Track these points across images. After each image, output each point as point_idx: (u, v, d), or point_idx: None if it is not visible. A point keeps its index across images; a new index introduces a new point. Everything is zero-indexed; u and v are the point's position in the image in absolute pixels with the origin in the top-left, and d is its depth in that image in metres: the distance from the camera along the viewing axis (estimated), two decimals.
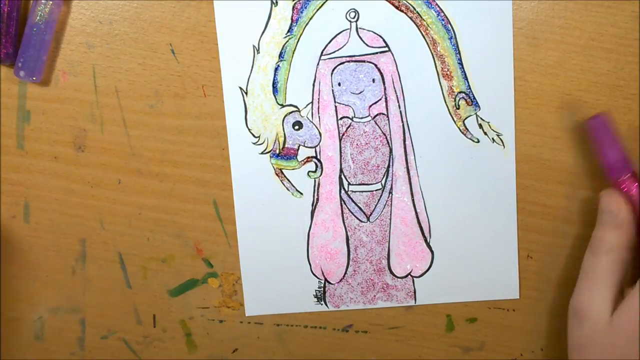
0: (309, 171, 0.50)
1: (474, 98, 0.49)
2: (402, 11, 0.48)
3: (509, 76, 0.49)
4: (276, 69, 0.49)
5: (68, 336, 0.54)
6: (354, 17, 0.48)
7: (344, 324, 0.53)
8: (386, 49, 0.49)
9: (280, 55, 0.49)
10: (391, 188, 0.51)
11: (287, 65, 0.49)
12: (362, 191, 0.51)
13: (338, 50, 0.49)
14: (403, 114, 0.50)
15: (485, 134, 0.49)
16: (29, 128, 0.51)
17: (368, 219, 0.51)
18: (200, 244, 0.52)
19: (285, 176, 0.50)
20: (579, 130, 0.49)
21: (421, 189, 0.50)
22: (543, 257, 0.51)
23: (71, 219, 0.52)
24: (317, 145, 0.50)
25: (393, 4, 0.48)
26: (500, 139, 0.49)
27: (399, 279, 0.52)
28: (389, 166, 0.50)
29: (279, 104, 0.49)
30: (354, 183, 0.51)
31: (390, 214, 0.51)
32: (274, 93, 0.49)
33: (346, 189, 0.51)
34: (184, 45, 0.49)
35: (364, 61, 0.49)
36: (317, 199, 0.51)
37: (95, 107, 0.50)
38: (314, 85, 0.49)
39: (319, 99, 0.49)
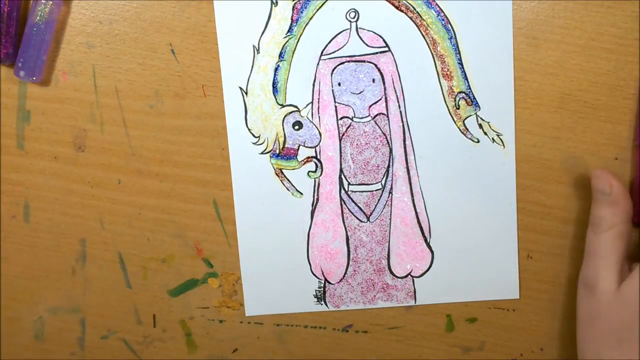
0: (309, 171, 0.50)
1: (474, 98, 0.49)
2: (402, 11, 0.48)
3: (509, 76, 0.49)
4: (276, 69, 0.49)
5: (68, 336, 0.54)
6: (354, 17, 0.48)
7: (344, 324, 0.53)
8: (386, 49, 0.49)
9: (280, 55, 0.49)
10: (391, 188, 0.51)
11: (287, 65, 0.49)
12: (362, 191, 0.51)
13: (338, 50, 0.49)
14: (403, 114, 0.50)
15: (485, 134, 0.49)
16: (29, 128, 0.51)
17: (368, 219, 0.51)
18: (200, 244, 0.52)
19: (285, 176, 0.50)
20: (579, 130, 0.49)
21: (421, 189, 0.50)
22: (543, 257, 0.51)
23: (71, 219, 0.52)
24: (317, 145, 0.50)
25: (393, 4, 0.48)
26: (500, 139, 0.49)
27: (398, 279, 0.52)
28: (389, 166, 0.50)
29: (279, 104, 0.49)
30: (354, 183, 0.51)
31: (390, 214, 0.51)
32: (274, 93, 0.49)
33: (346, 189, 0.51)
34: (184, 45, 0.49)
35: (364, 61, 0.49)
36: (317, 199, 0.51)
37: (95, 107, 0.50)
38: (314, 85, 0.49)
39: (319, 99, 0.49)
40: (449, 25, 0.48)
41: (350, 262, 0.52)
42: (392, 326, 0.53)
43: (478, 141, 0.50)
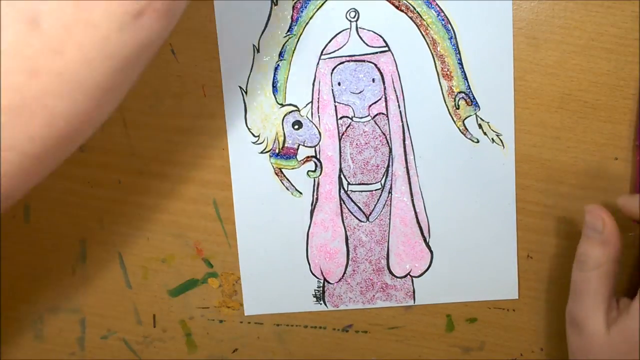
0: (308, 171, 0.50)
1: (474, 98, 0.49)
2: (402, 11, 0.48)
3: (509, 76, 0.49)
4: (276, 69, 0.49)
5: (68, 336, 0.54)
6: (354, 17, 0.48)
7: (344, 324, 0.53)
8: (386, 48, 0.49)
9: (280, 54, 0.49)
10: (390, 188, 0.51)
11: (287, 65, 0.49)
12: (362, 191, 0.51)
13: (338, 49, 0.49)
14: (403, 113, 0.50)
15: (485, 134, 0.49)
16: None
17: (367, 218, 0.51)
18: (200, 244, 0.52)
19: (284, 175, 0.50)
20: (579, 130, 0.49)
21: (421, 189, 0.50)
22: (543, 257, 0.51)
23: (71, 219, 0.52)
24: (316, 145, 0.50)
25: (393, 4, 0.48)
26: (500, 139, 0.49)
27: (398, 279, 0.52)
28: (388, 166, 0.50)
29: (278, 103, 0.49)
30: (354, 183, 0.51)
31: (390, 214, 0.51)
32: (273, 92, 0.49)
33: (345, 189, 0.51)
34: (184, 45, 0.49)
35: (363, 61, 0.49)
36: (317, 199, 0.51)
37: None
38: (313, 84, 0.49)
39: (318, 98, 0.49)
40: (449, 25, 0.48)
41: (350, 262, 0.52)
42: (392, 326, 0.53)
43: (478, 141, 0.50)
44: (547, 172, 0.50)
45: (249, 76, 0.49)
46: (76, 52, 0.27)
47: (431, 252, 0.51)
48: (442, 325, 0.53)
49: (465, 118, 0.49)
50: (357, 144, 0.50)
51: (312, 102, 0.50)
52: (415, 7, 0.48)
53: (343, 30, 0.49)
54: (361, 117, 0.50)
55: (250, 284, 0.52)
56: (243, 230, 0.51)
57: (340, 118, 0.50)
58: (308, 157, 0.50)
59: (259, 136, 0.50)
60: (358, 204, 0.51)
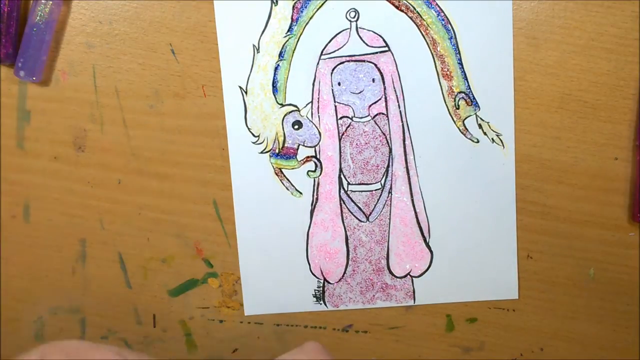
0: (308, 171, 0.50)
1: (474, 98, 0.49)
2: (402, 11, 0.48)
3: (508, 76, 0.49)
4: (276, 69, 0.49)
5: (68, 336, 0.54)
6: (354, 17, 0.48)
7: (344, 324, 0.53)
8: (386, 48, 0.49)
9: (280, 54, 0.49)
10: (390, 188, 0.51)
11: (287, 65, 0.49)
12: (362, 191, 0.51)
13: (338, 49, 0.49)
14: (403, 113, 0.50)
15: (485, 134, 0.49)
16: (29, 128, 0.51)
17: (367, 218, 0.51)
18: (200, 244, 0.52)
19: (284, 175, 0.50)
20: (579, 130, 0.49)
21: (420, 189, 0.50)
22: (543, 257, 0.51)
23: (71, 219, 0.52)
24: (316, 145, 0.50)
25: (393, 4, 0.48)
26: (500, 139, 0.49)
27: (398, 279, 0.52)
28: (388, 166, 0.50)
29: (278, 103, 0.49)
30: (354, 183, 0.51)
31: (390, 214, 0.51)
32: (273, 92, 0.49)
33: (345, 189, 0.51)
34: (184, 45, 0.49)
35: (363, 61, 0.49)
36: (317, 199, 0.51)
37: (95, 107, 0.50)
38: (313, 84, 0.49)
39: (318, 98, 0.49)
40: (449, 25, 0.48)
41: (350, 262, 0.52)
42: (392, 326, 0.53)
43: (478, 141, 0.50)
44: (547, 172, 0.50)
45: (249, 76, 0.49)
46: None
47: (431, 252, 0.51)
48: (442, 325, 0.53)
49: (465, 118, 0.49)
50: (357, 144, 0.50)
51: (312, 102, 0.50)
52: (415, 7, 0.48)
53: (343, 30, 0.49)
54: (361, 117, 0.50)
55: (250, 284, 0.52)
56: (243, 230, 0.51)
57: (340, 118, 0.50)
58: (308, 157, 0.50)
59: (259, 136, 0.50)
60: (358, 204, 0.51)
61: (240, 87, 0.49)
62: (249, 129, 0.50)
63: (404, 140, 0.50)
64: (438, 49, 0.49)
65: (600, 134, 0.49)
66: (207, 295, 0.53)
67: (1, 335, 0.54)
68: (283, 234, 0.51)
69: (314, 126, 0.50)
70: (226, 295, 0.53)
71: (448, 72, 0.49)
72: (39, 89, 0.50)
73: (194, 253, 0.52)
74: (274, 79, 0.49)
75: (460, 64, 0.49)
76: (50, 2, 0.48)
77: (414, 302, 0.52)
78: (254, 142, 0.50)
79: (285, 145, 0.50)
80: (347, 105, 0.50)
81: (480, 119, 0.49)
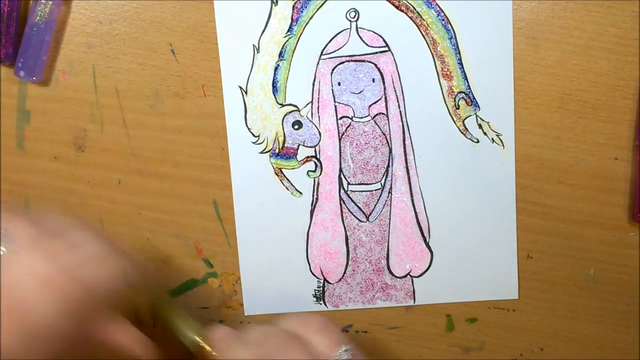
0: (308, 171, 0.50)
1: (474, 98, 0.49)
2: (402, 11, 0.48)
3: (509, 76, 0.49)
4: (276, 69, 0.49)
5: None
6: (354, 17, 0.48)
7: (344, 324, 0.53)
8: (386, 48, 0.49)
9: (280, 54, 0.49)
10: (390, 188, 0.51)
11: (287, 65, 0.49)
12: (362, 191, 0.51)
13: (338, 49, 0.49)
14: (403, 113, 0.50)
15: (485, 134, 0.49)
16: (29, 128, 0.51)
17: (367, 218, 0.51)
18: (200, 244, 0.52)
19: (284, 175, 0.50)
20: (579, 130, 0.49)
21: (420, 189, 0.50)
22: (543, 257, 0.51)
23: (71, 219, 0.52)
24: (316, 145, 0.50)
25: (393, 4, 0.48)
26: (500, 139, 0.49)
27: (398, 279, 0.52)
28: (388, 166, 0.50)
29: (278, 103, 0.49)
30: (354, 183, 0.51)
31: (390, 214, 0.51)
32: (273, 92, 0.49)
33: (345, 189, 0.51)
34: (184, 45, 0.49)
35: (363, 61, 0.49)
36: (317, 199, 0.51)
37: (95, 107, 0.50)
38: (313, 84, 0.49)
39: (318, 98, 0.49)
40: (449, 25, 0.48)
41: (350, 262, 0.52)
42: (392, 326, 0.53)
43: (478, 141, 0.50)
44: (547, 172, 0.50)
45: (249, 76, 0.49)
46: None
47: (431, 252, 0.51)
48: (442, 325, 0.53)
49: (465, 118, 0.49)
50: (357, 144, 0.50)
51: (312, 102, 0.50)
52: (415, 7, 0.48)
53: (343, 30, 0.49)
54: (361, 117, 0.50)
55: (250, 284, 0.52)
56: (243, 230, 0.51)
57: (340, 118, 0.50)
58: (308, 157, 0.50)
59: (259, 136, 0.50)
60: (358, 204, 0.51)
61: (240, 87, 0.49)
62: (249, 129, 0.50)
63: (404, 140, 0.50)
64: (438, 49, 0.49)
65: (600, 134, 0.49)
66: (207, 295, 0.53)
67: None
68: (283, 234, 0.51)
69: (314, 126, 0.50)
70: (226, 296, 0.53)
71: (448, 72, 0.49)
72: (39, 89, 0.50)
73: (194, 253, 0.52)
74: (274, 79, 0.49)
75: (460, 64, 0.49)
76: (50, 2, 0.48)
77: (414, 302, 0.52)
78: (254, 142, 0.50)
79: (285, 145, 0.50)
80: (347, 105, 0.50)
81: (480, 119, 0.49)
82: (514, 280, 0.51)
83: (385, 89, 0.49)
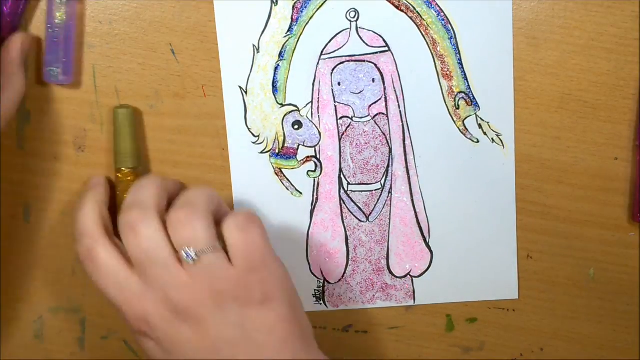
0: (308, 171, 0.50)
1: (474, 98, 0.49)
2: (402, 11, 0.48)
3: (508, 76, 0.49)
4: (276, 69, 0.49)
5: (68, 336, 0.54)
6: (354, 17, 0.48)
7: (344, 324, 0.53)
8: (386, 48, 0.49)
9: (280, 54, 0.49)
10: (390, 188, 0.51)
11: (287, 65, 0.49)
12: (362, 191, 0.51)
13: (338, 49, 0.49)
14: (403, 113, 0.50)
15: (485, 134, 0.49)
16: (29, 128, 0.51)
17: (367, 218, 0.51)
18: None
19: (284, 175, 0.50)
20: (579, 130, 0.49)
21: (420, 189, 0.50)
22: (543, 257, 0.51)
23: (71, 219, 0.52)
24: (316, 145, 0.50)
25: (393, 4, 0.48)
26: (500, 139, 0.49)
27: (398, 279, 0.52)
28: (388, 166, 0.50)
29: (278, 103, 0.49)
30: (354, 183, 0.51)
31: (390, 214, 0.51)
32: (273, 92, 0.49)
33: (345, 189, 0.51)
34: (184, 45, 0.49)
35: (363, 61, 0.49)
36: (317, 199, 0.51)
37: (95, 107, 0.50)
38: (313, 84, 0.49)
39: (318, 98, 0.49)
40: (449, 25, 0.48)
41: (350, 262, 0.52)
42: (392, 326, 0.53)
43: (478, 141, 0.50)
44: (547, 172, 0.50)
45: (249, 76, 0.49)
46: None
47: (431, 252, 0.51)
48: (442, 325, 0.53)
49: (465, 118, 0.49)
50: (357, 144, 0.50)
51: (312, 102, 0.50)
52: (415, 7, 0.48)
53: (343, 30, 0.49)
54: (361, 117, 0.50)
55: None
56: None
57: (340, 118, 0.50)
58: (308, 157, 0.50)
59: (259, 136, 0.50)
60: (358, 204, 0.51)
61: (240, 87, 0.49)
62: (249, 129, 0.50)
63: (404, 140, 0.50)
64: (438, 49, 0.49)
65: (600, 134, 0.49)
66: None
67: (1, 335, 0.54)
68: (283, 234, 0.51)
69: (314, 126, 0.50)
70: None
71: (448, 72, 0.49)
72: (39, 89, 0.50)
73: None
74: (274, 79, 0.49)
75: (460, 64, 0.49)
76: (65, 2, 0.47)
77: (414, 302, 0.52)
78: (254, 142, 0.50)
79: (285, 145, 0.50)
80: (347, 105, 0.50)
81: (480, 119, 0.49)
82: (514, 280, 0.52)
83: (385, 89, 0.49)
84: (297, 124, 0.50)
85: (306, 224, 0.51)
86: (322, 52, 0.49)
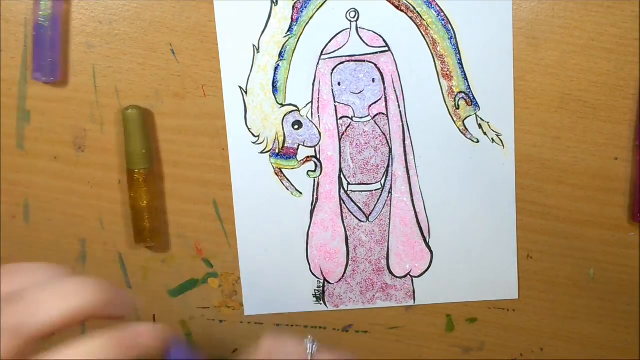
0: (308, 171, 0.50)
1: (474, 98, 0.49)
2: (402, 11, 0.48)
3: (509, 76, 0.49)
4: (276, 69, 0.49)
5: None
6: (354, 17, 0.48)
7: (344, 324, 0.53)
8: (386, 48, 0.49)
9: (280, 54, 0.49)
10: (390, 188, 0.51)
11: (287, 65, 0.49)
12: (362, 191, 0.51)
13: (338, 49, 0.49)
14: (403, 113, 0.50)
15: (485, 134, 0.49)
16: (29, 128, 0.51)
17: (367, 218, 0.51)
18: (200, 244, 0.52)
19: (284, 175, 0.50)
20: (579, 130, 0.49)
21: (420, 189, 0.50)
22: (543, 257, 0.51)
23: (71, 219, 0.52)
24: (316, 145, 0.50)
25: (393, 4, 0.48)
26: (500, 139, 0.49)
27: (398, 279, 0.52)
28: (388, 166, 0.50)
29: (278, 103, 0.49)
30: (354, 183, 0.51)
31: (390, 214, 0.51)
32: (273, 92, 0.49)
33: (345, 189, 0.51)
34: (184, 45, 0.49)
35: (363, 61, 0.49)
36: (317, 199, 0.51)
37: (95, 107, 0.50)
38: (313, 84, 0.49)
39: (318, 98, 0.49)
40: (449, 25, 0.48)
41: (350, 262, 0.52)
42: (392, 326, 0.53)
43: (478, 141, 0.50)
44: (547, 172, 0.50)
45: (249, 76, 0.49)
46: None
47: (431, 252, 0.51)
48: (442, 325, 0.53)
49: (465, 118, 0.49)
50: (357, 144, 0.50)
51: (312, 102, 0.50)
52: (415, 7, 0.48)
53: (343, 30, 0.49)
54: (361, 117, 0.50)
55: (250, 284, 0.52)
56: (243, 230, 0.51)
57: (340, 118, 0.50)
58: (308, 157, 0.50)
59: (259, 136, 0.50)
60: (358, 204, 0.51)
61: (240, 87, 0.49)
62: (249, 129, 0.50)
63: (404, 140, 0.50)
64: (438, 49, 0.49)
65: (600, 134, 0.49)
66: (207, 295, 0.53)
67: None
68: (283, 234, 0.51)
69: (314, 126, 0.50)
70: (226, 296, 0.53)
71: (448, 72, 0.49)
72: (39, 89, 0.50)
73: (194, 253, 0.52)
74: (274, 79, 0.49)
75: (460, 64, 0.49)
76: (50, 1, 0.48)
77: (414, 302, 0.52)
78: (254, 142, 0.50)
79: (285, 145, 0.50)
80: (347, 105, 0.50)
81: (480, 119, 0.49)
82: (514, 280, 0.52)
83: (385, 89, 0.49)
84: (297, 124, 0.50)
85: (306, 224, 0.51)
86: (322, 52, 0.49)
